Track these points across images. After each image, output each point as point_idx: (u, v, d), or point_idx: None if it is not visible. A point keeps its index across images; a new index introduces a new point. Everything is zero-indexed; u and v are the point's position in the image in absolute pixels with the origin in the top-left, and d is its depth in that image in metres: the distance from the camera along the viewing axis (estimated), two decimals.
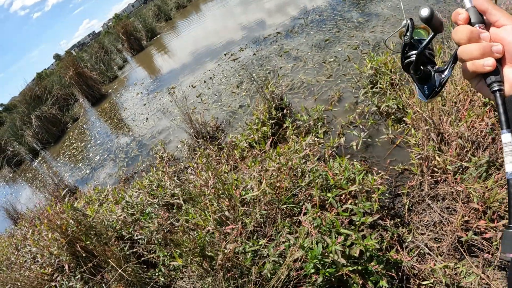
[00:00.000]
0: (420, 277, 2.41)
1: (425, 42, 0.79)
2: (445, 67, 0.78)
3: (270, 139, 3.86)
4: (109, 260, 3.10)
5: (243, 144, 4.45)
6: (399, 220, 2.81)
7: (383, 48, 5.29)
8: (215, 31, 12.69)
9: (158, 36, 18.73)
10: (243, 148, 4.42)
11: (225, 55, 9.22)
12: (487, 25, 0.70)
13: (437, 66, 0.79)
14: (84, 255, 3.42)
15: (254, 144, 4.28)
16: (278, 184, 2.89)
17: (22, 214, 7.99)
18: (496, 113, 0.60)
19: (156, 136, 7.32)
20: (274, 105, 4.74)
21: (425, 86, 0.81)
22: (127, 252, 3.48)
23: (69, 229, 3.58)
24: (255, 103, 5.32)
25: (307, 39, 7.30)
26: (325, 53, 6.24)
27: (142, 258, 3.44)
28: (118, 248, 3.42)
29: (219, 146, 4.98)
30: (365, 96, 4.44)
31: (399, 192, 3.07)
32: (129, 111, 10.12)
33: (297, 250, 2.27)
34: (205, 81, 8.30)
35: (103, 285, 3.19)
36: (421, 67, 0.80)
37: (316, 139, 3.78)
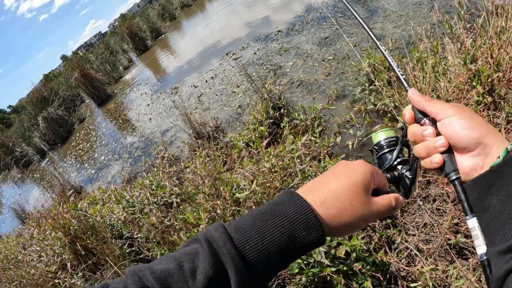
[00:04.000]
0: (409, 279, 2.40)
1: (388, 164, 0.83)
2: (410, 167, 0.80)
3: (267, 139, 3.88)
4: (107, 258, 3.15)
5: (240, 144, 4.46)
6: (390, 221, 2.80)
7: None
8: (219, 30, 12.70)
9: (163, 35, 18.78)
10: (240, 148, 4.44)
11: (226, 54, 9.23)
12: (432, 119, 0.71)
13: (404, 167, 0.81)
14: (83, 253, 3.48)
15: (251, 144, 4.29)
16: (268, 184, 2.90)
17: (30, 214, 8.09)
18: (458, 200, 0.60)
19: (159, 136, 7.37)
20: (271, 104, 4.75)
21: (400, 186, 0.82)
22: (126, 251, 3.53)
23: (72, 228, 3.64)
24: (252, 102, 5.33)
25: (307, 37, 7.29)
26: (325, 51, 6.23)
27: (139, 256, 3.50)
28: (117, 247, 3.48)
29: (218, 146, 5.00)
30: (362, 94, 4.43)
31: None
32: (134, 112, 10.19)
33: None
34: (206, 81, 8.32)
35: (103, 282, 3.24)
36: (392, 172, 0.82)
37: (312, 138, 3.78)
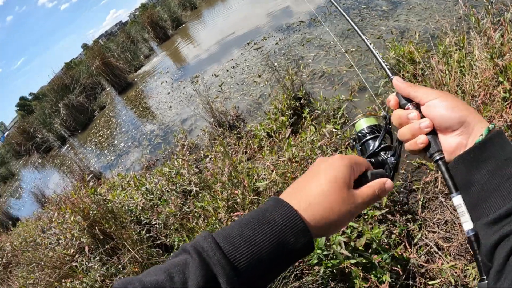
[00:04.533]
0: (427, 276, 2.37)
1: (373, 149, 0.87)
2: (393, 152, 0.84)
3: (288, 129, 3.86)
4: (125, 243, 3.18)
5: (261, 134, 4.46)
6: (411, 216, 2.77)
7: (407, 38, 5.19)
8: (240, 20, 12.63)
9: (184, 25, 18.78)
10: (261, 137, 4.43)
11: (248, 44, 9.20)
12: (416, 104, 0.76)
13: (387, 153, 0.85)
14: (101, 237, 3.52)
15: (272, 134, 4.29)
16: (289, 175, 2.90)
17: (49, 198, 8.23)
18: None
19: (179, 124, 7.42)
20: (293, 94, 4.73)
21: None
22: (144, 236, 3.57)
23: (91, 212, 3.68)
24: (274, 92, 5.31)
25: (329, 28, 7.22)
26: (348, 43, 6.16)
27: (157, 242, 3.53)
28: (135, 232, 3.51)
29: (238, 135, 5.00)
30: (386, 87, 4.37)
31: (414, 188, 3.03)
32: (154, 100, 10.26)
33: None
34: (227, 70, 8.32)
35: (119, 266, 3.28)
36: (376, 157, 0.86)
37: (334, 130, 3.75)
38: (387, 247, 2.42)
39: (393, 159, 0.83)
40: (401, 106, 0.78)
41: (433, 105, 0.70)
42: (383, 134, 0.86)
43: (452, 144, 0.69)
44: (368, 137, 0.88)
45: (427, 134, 0.71)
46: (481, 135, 0.65)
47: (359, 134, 0.90)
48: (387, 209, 2.56)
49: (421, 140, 0.71)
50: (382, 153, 0.85)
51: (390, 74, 0.83)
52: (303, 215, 0.61)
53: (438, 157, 0.70)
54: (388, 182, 0.73)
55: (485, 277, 0.60)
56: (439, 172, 0.71)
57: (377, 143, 0.85)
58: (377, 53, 0.89)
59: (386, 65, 0.87)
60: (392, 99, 0.80)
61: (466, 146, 0.68)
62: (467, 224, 0.64)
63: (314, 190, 0.65)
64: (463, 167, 0.66)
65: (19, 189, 16.58)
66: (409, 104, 0.75)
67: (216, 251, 0.55)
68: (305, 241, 0.60)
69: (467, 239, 0.64)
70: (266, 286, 0.59)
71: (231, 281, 0.53)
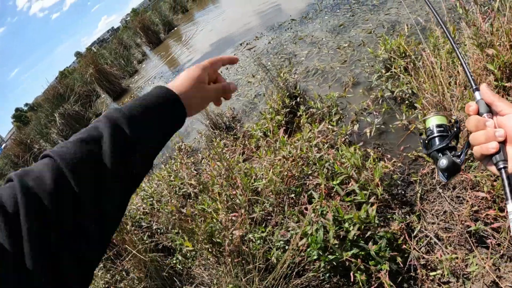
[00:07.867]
0: (428, 267, 2.39)
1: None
2: (460, 153, 0.92)
3: (283, 128, 3.87)
4: (128, 247, 3.19)
5: (258, 134, 4.47)
6: (409, 208, 2.79)
7: (398, 31, 5.20)
8: (232, 20, 12.62)
9: (176, 28, 18.75)
10: (258, 137, 4.44)
11: (241, 44, 9.19)
12: (494, 113, 0.84)
13: (454, 152, 0.94)
14: None
15: (268, 133, 4.29)
16: (285, 173, 2.91)
17: None
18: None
19: None
20: (287, 93, 4.73)
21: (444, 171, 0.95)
22: (146, 241, 3.58)
23: None
24: (269, 92, 5.31)
25: (321, 25, 7.20)
26: (340, 39, 6.16)
27: (159, 246, 3.55)
28: (137, 238, 3.52)
29: (235, 136, 5.01)
30: (379, 81, 4.39)
31: (411, 180, 3.05)
32: None
33: (299, 238, 2.29)
34: (221, 72, 8.22)
35: (123, 272, 3.29)
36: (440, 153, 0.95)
37: (329, 126, 3.77)
38: (384, 233, 2.45)
39: (459, 159, 0.91)
40: (479, 113, 0.85)
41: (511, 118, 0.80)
42: (452, 135, 0.94)
43: None
44: (436, 134, 0.96)
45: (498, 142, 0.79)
46: None
47: (429, 130, 0.99)
48: (382, 195, 2.57)
49: (493, 145, 0.78)
50: (447, 151, 0.93)
51: (473, 84, 0.91)
52: (178, 93, 0.85)
53: (502, 166, 0.77)
54: (231, 84, 1.01)
55: None
56: (500, 179, 0.78)
57: (446, 141, 0.94)
58: (465, 63, 0.98)
59: (471, 75, 0.95)
60: (473, 105, 0.87)
61: None
62: None
63: (182, 84, 0.88)
64: None
65: None
66: (486, 113, 0.84)
67: (119, 110, 0.74)
68: (179, 106, 0.85)
69: None
70: (157, 137, 0.83)
71: (130, 122, 0.72)
